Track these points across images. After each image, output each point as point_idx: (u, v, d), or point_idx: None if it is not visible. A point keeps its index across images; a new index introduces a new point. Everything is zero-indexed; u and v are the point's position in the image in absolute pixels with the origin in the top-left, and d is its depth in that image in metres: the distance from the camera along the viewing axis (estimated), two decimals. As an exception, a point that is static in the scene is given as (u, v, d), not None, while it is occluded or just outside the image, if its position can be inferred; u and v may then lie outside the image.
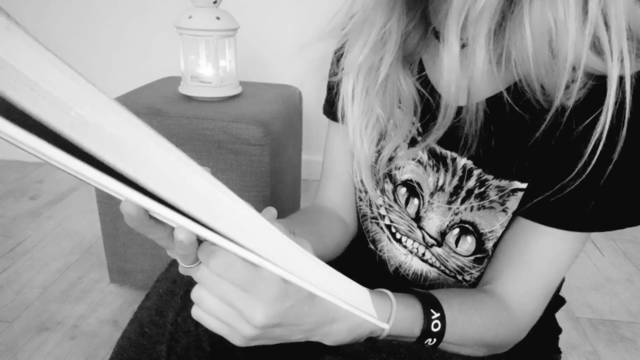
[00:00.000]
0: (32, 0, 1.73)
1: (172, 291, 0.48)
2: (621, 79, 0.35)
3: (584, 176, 0.38)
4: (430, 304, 0.43)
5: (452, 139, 0.46)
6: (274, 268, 0.28)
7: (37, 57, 0.18)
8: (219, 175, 1.00)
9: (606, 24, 0.34)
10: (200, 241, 0.31)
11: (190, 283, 0.48)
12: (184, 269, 0.35)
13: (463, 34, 0.37)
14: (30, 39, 0.17)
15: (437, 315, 0.42)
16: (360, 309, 0.33)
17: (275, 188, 1.06)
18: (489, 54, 0.37)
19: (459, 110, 0.44)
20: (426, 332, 0.42)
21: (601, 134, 0.36)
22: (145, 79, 1.29)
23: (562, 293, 0.57)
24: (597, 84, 0.36)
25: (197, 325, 0.46)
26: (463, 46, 0.38)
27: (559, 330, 0.59)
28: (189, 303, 0.47)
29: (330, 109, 0.59)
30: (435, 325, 0.42)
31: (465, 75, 0.39)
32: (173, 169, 0.22)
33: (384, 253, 0.57)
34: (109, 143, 0.20)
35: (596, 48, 0.35)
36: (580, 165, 0.37)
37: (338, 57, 0.54)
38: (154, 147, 0.21)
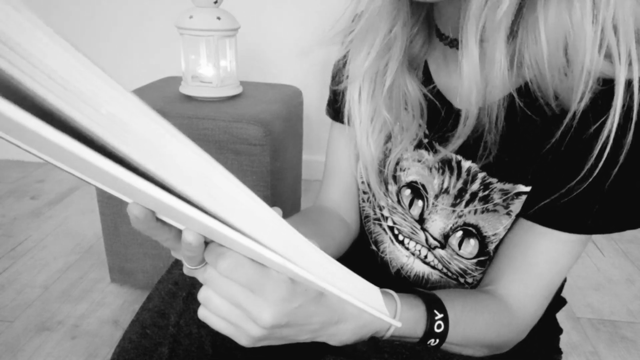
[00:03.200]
0: (31, 1, 1.72)
1: (174, 293, 0.48)
2: (629, 82, 0.35)
3: (590, 179, 0.37)
4: (433, 305, 0.43)
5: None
6: (292, 267, 0.27)
7: (65, 53, 0.17)
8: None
9: (614, 27, 0.34)
10: (206, 243, 0.31)
11: (192, 285, 0.48)
12: (188, 270, 0.35)
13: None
14: (57, 36, 0.17)
15: (440, 316, 0.42)
16: (374, 307, 0.33)
17: (276, 188, 1.06)
18: (505, 60, 0.37)
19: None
20: (429, 333, 0.42)
21: (608, 137, 0.36)
22: (146, 79, 1.29)
23: (563, 293, 0.57)
24: (603, 88, 0.36)
25: (200, 327, 0.46)
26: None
27: (560, 331, 0.59)
28: (192, 305, 0.47)
29: (334, 111, 0.59)
30: (439, 326, 0.42)
31: (483, 81, 0.39)
32: (197, 166, 0.22)
33: (386, 255, 0.57)
34: (140, 142, 0.19)
35: (604, 51, 0.35)
36: (586, 168, 0.37)
37: (343, 63, 0.54)
38: (178, 144, 0.21)
